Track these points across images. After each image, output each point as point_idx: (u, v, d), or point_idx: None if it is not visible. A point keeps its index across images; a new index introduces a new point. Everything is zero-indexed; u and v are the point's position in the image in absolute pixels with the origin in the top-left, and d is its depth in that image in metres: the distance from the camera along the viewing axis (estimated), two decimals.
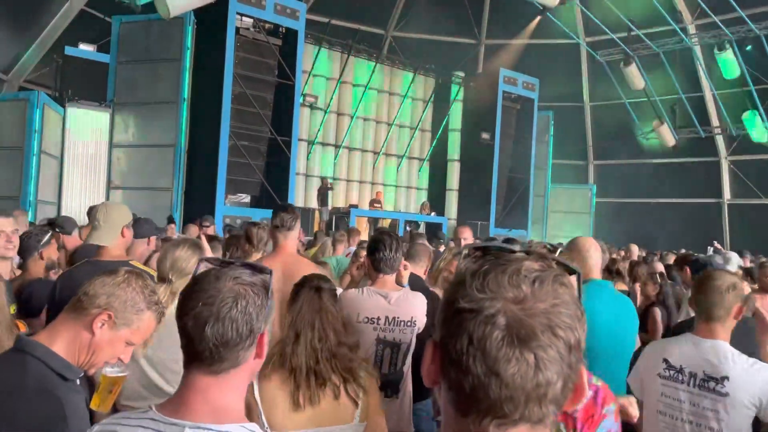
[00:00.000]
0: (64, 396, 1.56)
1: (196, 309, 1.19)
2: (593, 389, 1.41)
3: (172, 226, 7.42)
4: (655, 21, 17.88)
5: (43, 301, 3.31)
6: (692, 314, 3.06)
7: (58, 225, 4.58)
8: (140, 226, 3.87)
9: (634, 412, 2.21)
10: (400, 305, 3.06)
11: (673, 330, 3.35)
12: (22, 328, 2.55)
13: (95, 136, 13.11)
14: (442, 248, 7.11)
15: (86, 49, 13.24)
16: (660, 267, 6.08)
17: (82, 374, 1.70)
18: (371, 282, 3.22)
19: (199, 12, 12.61)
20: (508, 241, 5.52)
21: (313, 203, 16.60)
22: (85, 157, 13.05)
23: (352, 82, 18.67)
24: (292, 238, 3.47)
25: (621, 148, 21.02)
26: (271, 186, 13.72)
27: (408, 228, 14.91)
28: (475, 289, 0.71)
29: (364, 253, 5.18)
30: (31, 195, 11.28)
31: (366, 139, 19.29)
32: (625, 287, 5.20)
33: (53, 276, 3.78)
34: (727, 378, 2.24)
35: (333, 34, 17.48)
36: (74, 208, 12.46)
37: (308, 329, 2.16)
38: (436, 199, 19.76)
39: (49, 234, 3.64)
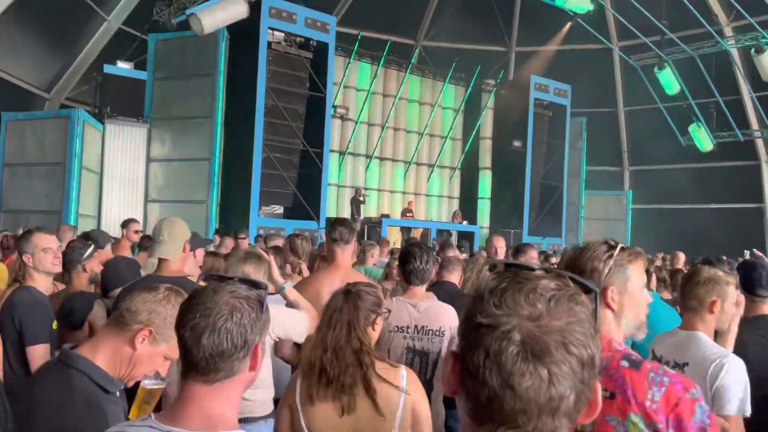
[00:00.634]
0: (107, 408, 1.63)
1: (193, 320, 1.25)
2: (668, 376, 1.44)
3: (226, 239, 7.59)
4: (689, 24, 17.58)
5: (85, 314, 3.42)
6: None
7: (92, 239, 4.71)
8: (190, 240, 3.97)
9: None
10: (429, 315, 3.11)
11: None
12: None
13: (133, 151, 13.46)
14: (463, 256, 7.24)
15: (124, 66, 13.63)
16: None
17: (123, 387, 1.77)
18: (402, 292, 3.28)
19: (231, 27, 12.88)
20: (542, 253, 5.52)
21: (345, 213, 16.71)
22: (124, 171, 13.41)
23: (382, 93, 18.78)
24: (349, 252, 3.55)
25: (657, 153, 20.63)
26: (304, 197, 13.88)
27: (434, 242, 14.86)
28: (493, 305, 0.75)
29: (395, 264, 5.27)
30: (72, 210, 11.60)
31: (397, 148, 19.36)
32: (669, 296, 5.09)
33: (96, 289, 3.91)
34: (687, 364, 2.28)
35: (363, 45, 17.63)
36: (113, 221, 12.78)
37: (329, 330, 2.19)
38: (468, 208, 19.69)
39: (92, 247, 3.75)
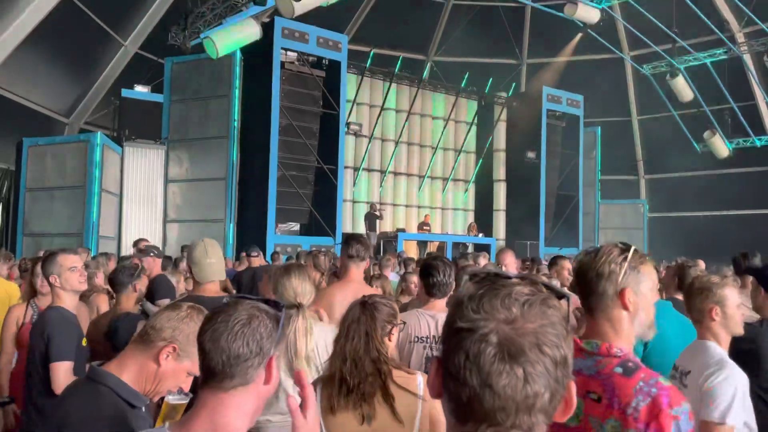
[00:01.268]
0: (134, 423, 1.70)
1: (213, 326, 1.33)
2: (657, 388, 1.46)
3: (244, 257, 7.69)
4: (700, 31, 17.56)
5: (129, 336, 3.52)
6: None
7: (153, 249, 4.91)
8: None
9: None
10: None
11: None
12: None
13: (151, 173, 13.68)
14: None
15: (141, 90, 13.90)
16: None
17: (148, 402, 1.85)
18: (422, 304, 3.35)
19: (245, 49, 13.10)
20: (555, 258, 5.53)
21: (361, 229, 16.78)
22: (143, 192, 13.63)
23: (395, 109, 18.91)
24: (362, 268, 3.68)
25: (673, 161, 20.53)
26: (320, 213, 13.99)
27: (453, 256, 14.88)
28: (471, 310, 0.80)
29: (413, 278, 5.32)
30: (93, 231, 11.80)
31: (411, 163, 19.45)
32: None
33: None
34: (690, 372, 2.31)
35: (375, 62, 17.81)
36: (133, 242, 12.97)
37: (348, 341, 2.24)
38: (484, 220, 19.68)
39: (140, 268, 3.90)
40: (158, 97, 13.93)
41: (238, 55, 13.29)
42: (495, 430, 0.78)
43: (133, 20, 14.51)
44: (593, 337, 1.60)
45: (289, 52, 13.93)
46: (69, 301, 3.09)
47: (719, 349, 2.36)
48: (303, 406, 1.24)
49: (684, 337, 2.90)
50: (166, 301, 3.95)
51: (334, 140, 14.39)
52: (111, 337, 3.33)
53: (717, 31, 17.43)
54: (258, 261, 7.18)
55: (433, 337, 3.15)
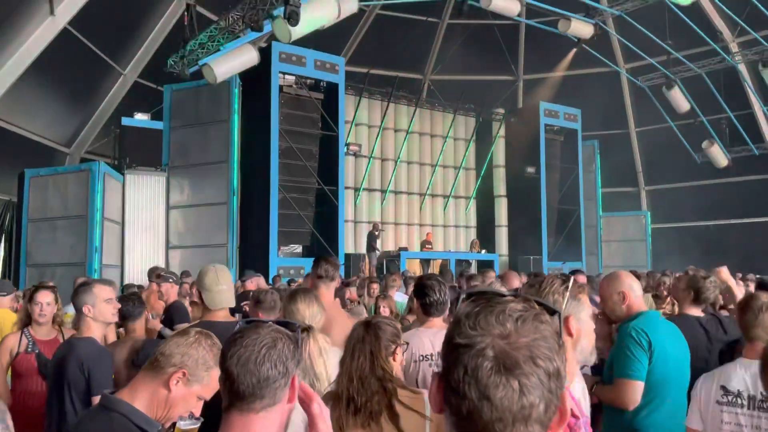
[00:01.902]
0: None
1: (239, 351, 1.36)
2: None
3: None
4: (694, 42, 17.71)
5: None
6: None
7: (172, 275, 4.97)
8: None
9: None
10: None
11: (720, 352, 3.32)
12: None
13: (153, 200, 13.73)
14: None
15: (141, 118, 14.00)
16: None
17: (160, 427, 1.85)
18: (422, 324, 3.35)
19: (243, 74, 13.22)
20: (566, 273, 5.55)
21: (363, 249, 16.80)
22: (144, 220, 13.66)
23: (393, 128, 19.02)
24: (333, 288, 3.70)
25: (673, 172, 20.60)
26: (322, 235, 14.01)
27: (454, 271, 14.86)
28: (468, 327, 0.84)
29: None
30: (96, 260, 11.80)
31: (411, 182, 19.52)
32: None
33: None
34: None
35: (372, 83, 17.96)
36: (136, 270, 12.98)
37: (353, 360, 2.27)
38: (486, 236, 19.71)
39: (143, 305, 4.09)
40: (158, 125, 14.02)
41: (237, 80, 13.40)
42: None
43: (131, 49, 14.65)
44: None
45: (287, 76, 14.06)
46: (98, 332, 3.11)
47: None
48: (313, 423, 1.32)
49: (679, 346, 2.89)
50: (185, 326, 3.98)
51: (334, 161, 14.46)
52: (140, 364, 3.35)
53: (710, 41, 17.58)
54: (252, 285, 7.14)
55: (438, 353, 3.16)
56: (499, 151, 20.61)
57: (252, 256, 13.22)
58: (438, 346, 3.09)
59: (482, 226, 20.67)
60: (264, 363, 1.33)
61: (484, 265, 15.37)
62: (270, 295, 3.60)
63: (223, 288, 3.16)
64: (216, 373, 1.88)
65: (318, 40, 13.42)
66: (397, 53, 19.08)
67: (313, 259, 4.04)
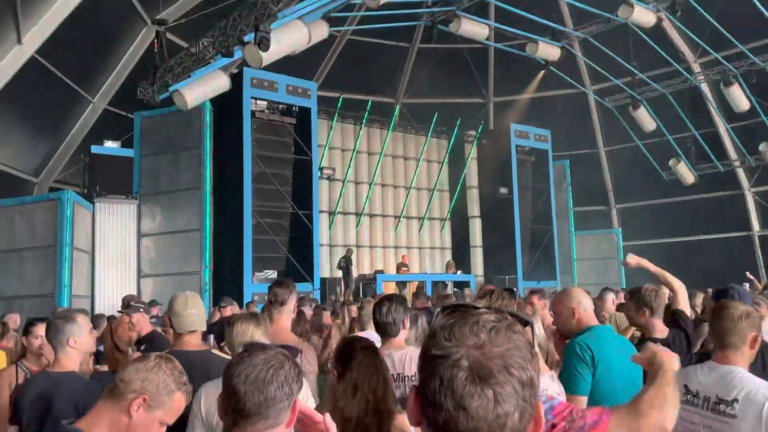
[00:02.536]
0: None
1: (247, 370, 1.38)
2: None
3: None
4: (657, 63, 18.17)
5: None
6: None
7: (141, 304, 4.84)
8: None
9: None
10: (403, 363, 3.19)
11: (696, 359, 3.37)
12: None
13: (124, 229, 13.52)
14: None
15: (111, 146, 13.85)
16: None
17: None
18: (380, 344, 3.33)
19: (215, 99, 13.16)
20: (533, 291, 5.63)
21: (338, 273, 16.74)
22: (115, 249, 13.42)
23: (367, 151, 19.12)
24: (287, 312, 3.58)
25: (642, 190, 20.98)
26: (297, 259, 13.93)
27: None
28: (444, 338, 0.85)
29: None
30: (65, 292, 11.55)
31: (386, 204, 19.57)
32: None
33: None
34: (736, 401, 2.27)
35: (345, 107, 18.04)
36: (107, 300, 12.73)
37: (365, 384, 2.30)
38: (461, 257, 19.78)
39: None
40: (128, 152, 13.87)
41: (208, 105, 13.36)
42: None
43: (101, 77, 14.54)
44: None
45: (258, 101, 14.07)
46: (78, 364, 2.99)
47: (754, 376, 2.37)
48: None
49: (625, 359, 2.92)
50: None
51: (307, 185, 14.44)
52: None
53: (673, 62, 18.06)
54: (229, 311, 7.08)
55: (398, 375, 3.14)
56: (471, 172, 20.81)
57: (226, 283, 13.07)
58: (393, 367, 3.10)
59: (457, 246, 20.76)
60: (272, 383, 1.36)
61: (460, 286, 15.43)
62: None
63: (192, 312, 3.12)
64: (178, 396, 1.84)
65: (290, 65, 13.48)
66: (369, 77, 19.24)
67: None
